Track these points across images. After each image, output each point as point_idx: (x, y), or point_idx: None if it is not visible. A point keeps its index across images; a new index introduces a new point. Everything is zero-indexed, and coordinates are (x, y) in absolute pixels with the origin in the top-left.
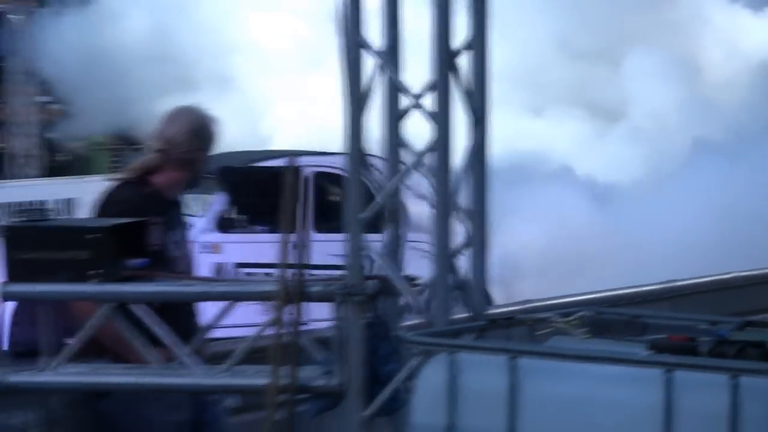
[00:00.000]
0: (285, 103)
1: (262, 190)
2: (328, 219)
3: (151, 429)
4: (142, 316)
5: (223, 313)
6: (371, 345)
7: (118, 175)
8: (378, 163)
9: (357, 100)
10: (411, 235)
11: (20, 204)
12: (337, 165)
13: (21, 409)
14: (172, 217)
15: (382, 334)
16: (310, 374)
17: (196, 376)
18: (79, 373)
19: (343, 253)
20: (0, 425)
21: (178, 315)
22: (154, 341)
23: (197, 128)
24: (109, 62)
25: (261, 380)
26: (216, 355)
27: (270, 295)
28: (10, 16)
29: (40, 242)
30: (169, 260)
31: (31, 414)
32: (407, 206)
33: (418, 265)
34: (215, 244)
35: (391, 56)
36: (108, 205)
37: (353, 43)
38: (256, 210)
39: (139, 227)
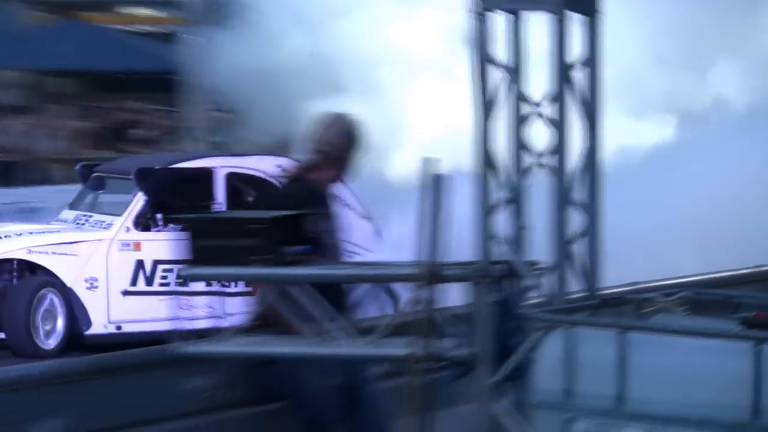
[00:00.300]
0: (421, 108)
1: (178, 191)
2: None
3: (310, 392)
4: (301, 296)
5: (372, 292)
6: (499, 321)
7: (285, 173)
8: (284, 163)
9: (484, 107)
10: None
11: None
12: (250, 166)
13: (198, 375)
14: (326, 208)
15: (508, 312)
16: (446, 346)
17: (347, 347)
18: (250, 344)
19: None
20: (181, 389)
21: (332, 294)
22: (312, 317)
23: (348, 132)
24: (270, 74)
25: (403, 351)
26: (364, 329)
27: (413, 277)
28: (184, 36)
29: (216, 232)
30: (324, 247)
31: (208, 379)
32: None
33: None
34: (136, 242)
35: (514, 70)
36: (278, 198)
37: (482, 58)
38: (173, 209)
39: (299, 218)
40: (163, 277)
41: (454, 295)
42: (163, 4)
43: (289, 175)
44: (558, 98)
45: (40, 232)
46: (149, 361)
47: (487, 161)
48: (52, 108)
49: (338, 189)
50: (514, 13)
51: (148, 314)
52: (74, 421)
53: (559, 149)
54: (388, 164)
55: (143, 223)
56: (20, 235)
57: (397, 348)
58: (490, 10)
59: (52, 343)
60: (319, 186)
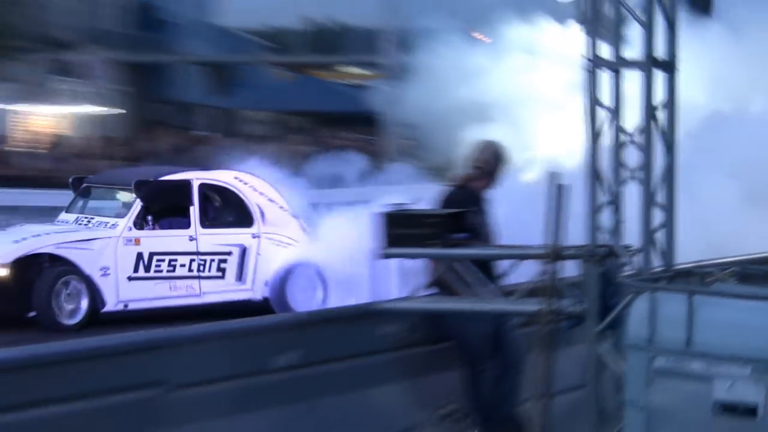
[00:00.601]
0: (547, 135)
1: (166, 197)
2: (210, 218)
3: (469, 335)
4: (463, 268)
5: (512, 266)
6: (602, 287)
7: (452, 182)
8: (250, 179)
9: (593, 136)
10: (269, 230)
11: (395, 203)
12: (214, 178)
13: (390, 323)
14: (481, 207)
15: (609, 280)
16: (565, 304)
17: (494, 304)
18: (427, 302)
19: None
20: (378, 333)
21: (484, 267)
22: (470, 283)
23: (496, 153)
24: (440, 113)
25: (534, 307)
26: (507, 291)
27: (542, 256)
28: (382, 86)
29: (404, 223)
30: (480, 234)
31: (397, 326)
32: (266, 211)
33: (275, 250)
34: (136, 238)
35: (615, 110)
36: (447, 200)
37: (592, 101)
38: (162, 211)
39: (462, 214)
40: (157, 266)
41: (570, 269)
42: (368, 65)
43: (456, 184)
44: (645, 130)
45: (62, 232)
46: (356, 313)
47: (595, 174)
48: (291, 137)
49: (487, 194)
50: (615, 70)
51: (147, 294)
52: (304, 355)
53: (646, 166)
54: (524, 176)
55: (140, 223)
56: (48, 234)
57: (531, 305)
58: (598, 67)
59: (76, 318)
60: (476, 192)
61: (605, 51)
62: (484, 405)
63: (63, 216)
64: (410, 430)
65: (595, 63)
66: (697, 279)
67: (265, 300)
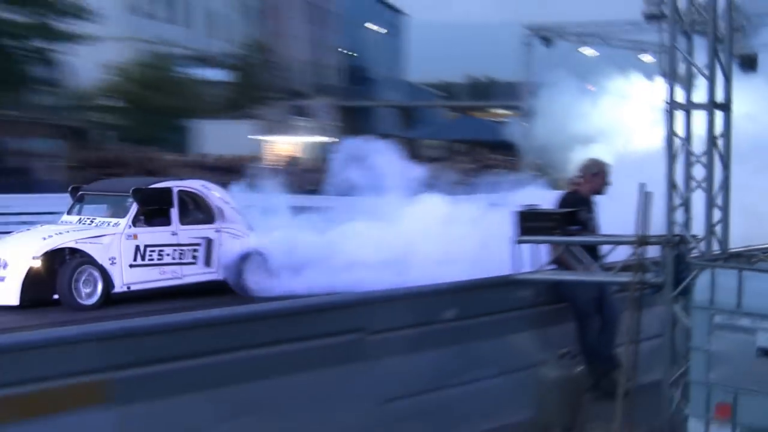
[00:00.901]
0: (636, 155)
1: (155, 201)
2: (185, 216)
3: (580, 298)
4: (576, 250)
5: (611, 251)
6: (676, 264)
7: (567, 188)
8: (212, 186)
9: (670, 157)
10: (226, 226)
11: (527, 204)
12: (187, 185)
13: (525, 289)
14: (589, 207)
15: (681, 260)
16: (649, 277)
17: (598, 276)
18: (550, 274)
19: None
20: (514, 296)
21: (592, 250)
22: (581, 261)
23: (599, 168)
24: (559, 139)
25: (627, 278)
26: (607, 267)
27: (633, 242)
28: (519, 121)
29: (534, 218)
30: (588, 226)
31: (530, 291)
32: (227, 210)
33: (231, 241)
34: (135, 234)
35: (687, 138)
36: (564, 202)
37: (669, 132)
38: (150, 212)
39: (576, 212)
40: (150, 255)
41: (653, 252)
42: (509, 107)
43: (569, 190)
44: (708, 153)
45: (78, 230)
46: (499, 282)
47: (672, 184)
48: (456, 158)
49: (592, 197)
50: (687, 110)
51: (144, 278)
52: (461, 311)
53: (708, 179)
54: (618, 184)
55: (136, 221)
56: (68, 232)
57: (624, 277)
58: (675, 108)
59: (93, 299)
60: (585, 196)
61: (680, 96)
62: (590, 348)
63: (65, 218)
64: (537, 365)
65: (672, 105)
66: (744, 259)
67: (225, 280)
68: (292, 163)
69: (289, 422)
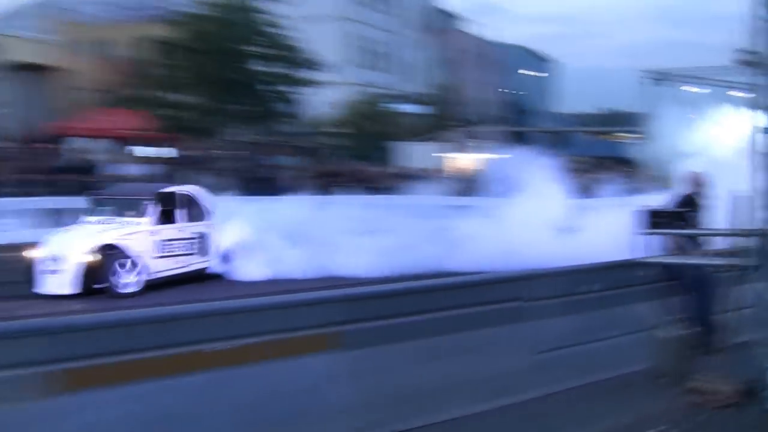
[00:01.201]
0: (727, 167)
1: (169, 202)
2: (187, 215)
3: (689, 275)
4: (687, 239)
5: (707, 242)
6: (764, 251)
7: (679, 192)
8: (200, 192)
9: (755, 167)
10: (212, 222)
11: (648, 205)
12: (185, 190)
13: (646, 269)
14: (696, 206)
15: (764, 248)
16: (743, 261)
17: (702, 259)
18: (668, 258)
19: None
20: (637, 274)
21: (693, 239)
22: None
23: (697, 178)
24: (665, 155)
25: (723, 261)
26: (706, 252)
27: (730, 233)
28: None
29: (657, 215)
30: (696, 222)
31: (648, 270)
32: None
33: (219, 235)
34: (155, 231)
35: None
36: (677, 202)
37: (752, 149)
38: (171, 212)
39: (684, 211)
40: (167, 248)
41: (745, 242)
42: (631, 131)
43: (681, 194)
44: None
45: (114, 229)
46: (627, 264)
47: (756, 189)
48: (593, 170)
49: (698, 199)
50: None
51: (165, 267)
52: (600, 285)
53: None
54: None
55: (156, 220)
56: (107, 231)
57: (721, 260)
58: (758, 132)
59: (131, 288)
60: (692, 198)
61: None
62: (696, 315)
63: (87, 218)
64: (654, 327)
65: (755, 130)
66: None
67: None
68: (464, 173)
69: (466, 367)
